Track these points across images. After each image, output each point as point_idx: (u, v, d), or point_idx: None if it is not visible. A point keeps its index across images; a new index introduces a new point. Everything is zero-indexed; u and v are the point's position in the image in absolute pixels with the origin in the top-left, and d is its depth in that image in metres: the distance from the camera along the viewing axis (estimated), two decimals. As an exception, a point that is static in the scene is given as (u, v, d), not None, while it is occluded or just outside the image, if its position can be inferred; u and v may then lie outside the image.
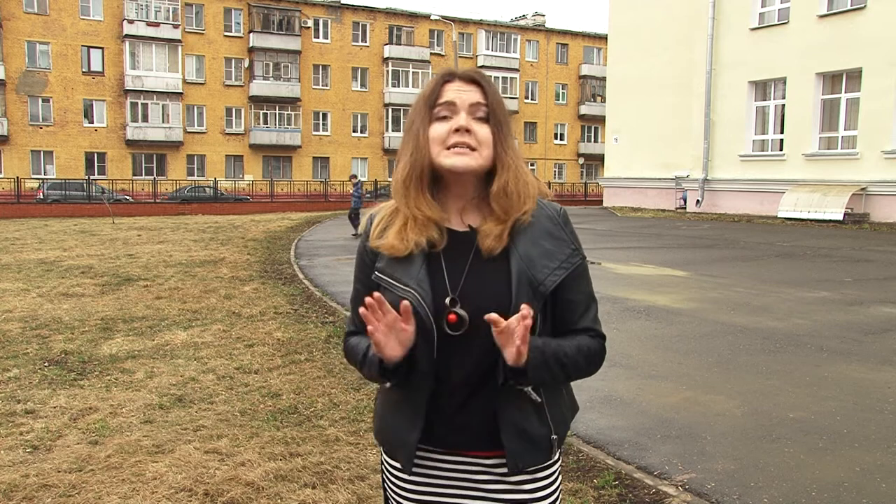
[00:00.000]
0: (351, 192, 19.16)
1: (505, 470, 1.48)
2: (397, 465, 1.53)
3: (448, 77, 1.48)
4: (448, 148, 1.43)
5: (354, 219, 18.33)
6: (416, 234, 1.45)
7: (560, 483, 1.58)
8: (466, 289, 1.44)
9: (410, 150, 1.46)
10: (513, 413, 1.44)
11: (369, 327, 1.34)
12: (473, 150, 1.43)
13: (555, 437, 1.48)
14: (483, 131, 1.44)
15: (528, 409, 1.45)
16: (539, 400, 1.44)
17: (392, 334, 1.37)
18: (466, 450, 1.49)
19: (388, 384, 1.47)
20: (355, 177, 20.01)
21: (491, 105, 1.46)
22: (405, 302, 1.35)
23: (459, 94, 1.45)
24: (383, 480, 1.64)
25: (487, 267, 1.45)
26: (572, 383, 1.60)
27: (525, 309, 1.29)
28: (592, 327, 1.50)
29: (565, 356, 1.43)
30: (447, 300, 1.43)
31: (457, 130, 1.42)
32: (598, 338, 1.50)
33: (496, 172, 1.46)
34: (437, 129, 1.44)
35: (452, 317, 1.42)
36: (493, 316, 1.31)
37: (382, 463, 1.62)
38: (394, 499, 1.58)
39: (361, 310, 1.34)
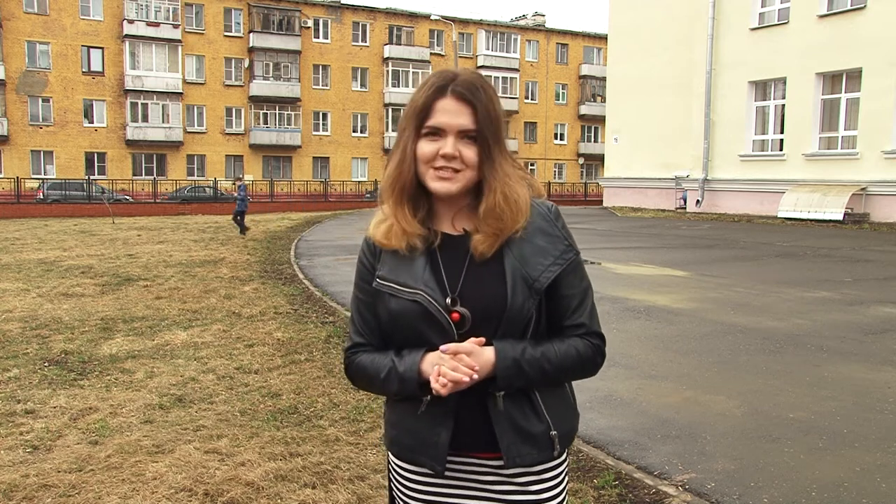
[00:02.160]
0: (235, 194, 19.37)
1: (511, 471, 1.48)
2: (414, 468, 1.53)
3: (441, 91, 1.45)
4: (435, 168, 1.44)
5: (240, 221, 18.63)
6: (397, 240, 1.48)
7: (567, 484, 1.59)
8: (465, 289, 1.46)
9: (397, 161, 1.48)
10: (507, 409, 1.45)
11: (442, 380, 1.37)
12: (458, 171, 1.44)
13: (554, 433, 1.48)
14: (469, 154, 1.44)
15: (523, 404, 1.46)
16: (501, 408, 1.45)
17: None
18: (473, 451, 1.50)
19: (427, 398, 1.46)
20: (240, 179, 20.12)
21: (480, 126, 1.44)
22: (481, 338, 1.41)
23: (449, 117, 1.43)
24: (390, 482, 1.64)
25: (483, 267, 1.46)
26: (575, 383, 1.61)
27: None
28: (586, 323, 1.50)
29: (547, 362, 1.44)
30: (447, 300, 1.44)
31: (444, 156, 1.43)
32: (595, 337, 1.50)
33: (483, 192, 1.46)
34: (425, 149, 1.45)
35: (455, 315, 1.44)
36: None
37: (389, 464, 1.62)
38: (402, 500, 1.58)
39: (440, 368, 1.37)
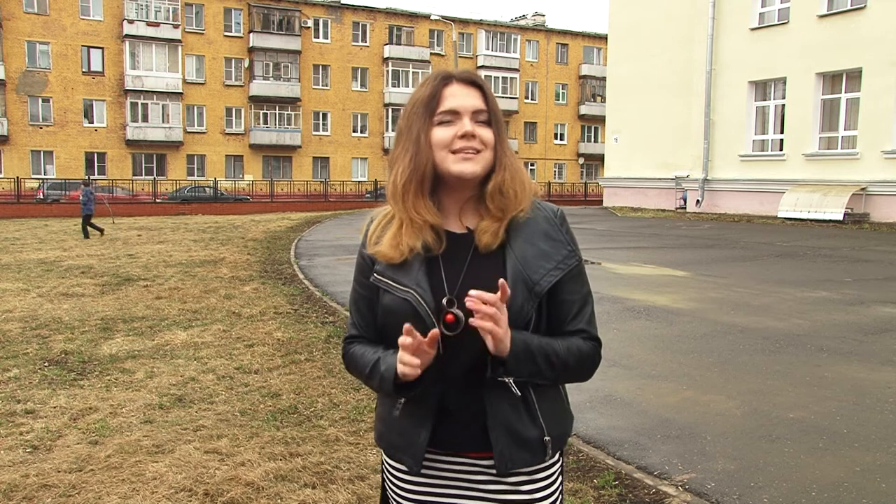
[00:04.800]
0: (80, 198, 19.01)
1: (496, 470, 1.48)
2: (401, 466, 1.53)
3: (446, 80, 1.47)
4: (454, 152, 1.44)
5: (92, 224, 18.44)
6: (411, 238, 1.46)
7: (561, 484, 1.57)
8: (464, 289, 1.44)
9: (411, 154, 1.46)
10: (502, 411, 1.44)
11: (408, 358, 1.34)
12: (479, 152, 1.44)
13: (547, 438, 1.48)
14: (486, 134, 1.46)
15: (518, 407, 1.45)
16: (517, 393, 1.43)
17: (416, 357, 1.37)
18: (464, 451, 1.50)
19: (402, 400, 1.46)
20: (87, 183, 19.87)
21: (491, 108, 1.47)
22: (434, 331, 1.34)
23: (461, 99, 1.45)
24: (383, 481, 1.64)
25: (484, 268, 1.46)
26: (568, 387, 1.61)
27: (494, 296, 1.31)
28: (586, 329, 1.50)
29: (554, 354, 1.43)
30: (444, 300, 1.43)
31: (462, 136, 1.43)
32: (592, 341, 1.50)
33: (493, 171, 1.47)
34: (441, 134, 1.44)
35: (449, 317, 1.42)
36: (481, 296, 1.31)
37: (383, 464, 1.62)
38: (395, 500, 1.58)
39: (402, 339, 1.34)
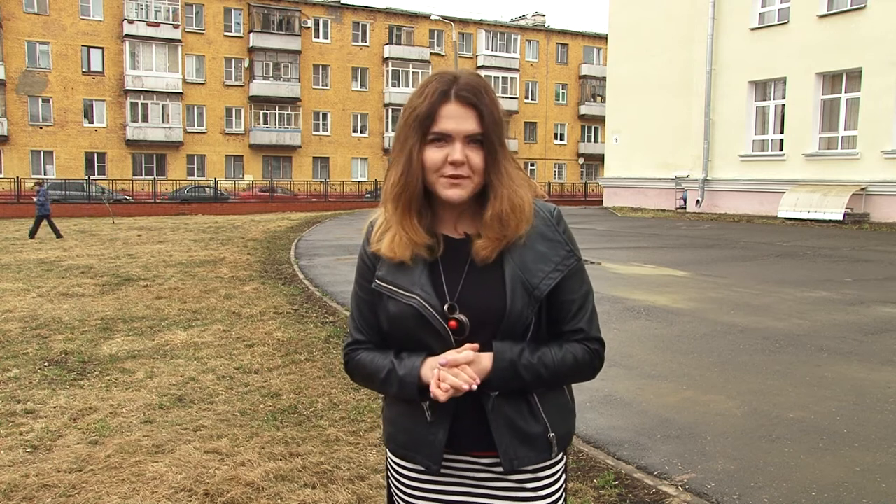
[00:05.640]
0: (34, 199, 18.78)
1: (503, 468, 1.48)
2: (415, 467, 1.53)
3: (444, 96, 1.42)
4: (443, 176, 1.43)
5: (39, 225, 18.27)
6: (402, 250, 1.46)
7: (564, 482, 1.58)
8: (464, 295, 1.45)
9: (402, 167, 1.45)
10: (504, 410, 1.45)
11: (444, 385, 1.38)
12: (467, 177, 1.43)
13: (552, 434, 1.48)
14: (476, 159, 1.43)
15: (521, 406, 1.46)
16: (496, 409, 1.44)
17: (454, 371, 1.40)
18: (468, 450, 1.50)
19: (427, 402, 1.46)
20: (40, 183, 19.64)
21: (486, 130, 1.43)
22: (473, 346, 1.41)
23: (455, 123, 1.41)
24: (388, 479, 1.64)
25: (483, 273, 1.46)
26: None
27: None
28: (585, 329, 1.49)
29: (545, 367, 1.44)
30: (445, 307, 1.44)
31: (452, 162, 1.41)
32: (593, 342, 1.50)
33: (488, 198, 1.45)
34: (433, 157, 1.42)
35: (453, 323, 1.43)
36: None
37: (388, 462, 1.63)
38: (400, 498, 1.59)
39: (441, 372, 1.38)
